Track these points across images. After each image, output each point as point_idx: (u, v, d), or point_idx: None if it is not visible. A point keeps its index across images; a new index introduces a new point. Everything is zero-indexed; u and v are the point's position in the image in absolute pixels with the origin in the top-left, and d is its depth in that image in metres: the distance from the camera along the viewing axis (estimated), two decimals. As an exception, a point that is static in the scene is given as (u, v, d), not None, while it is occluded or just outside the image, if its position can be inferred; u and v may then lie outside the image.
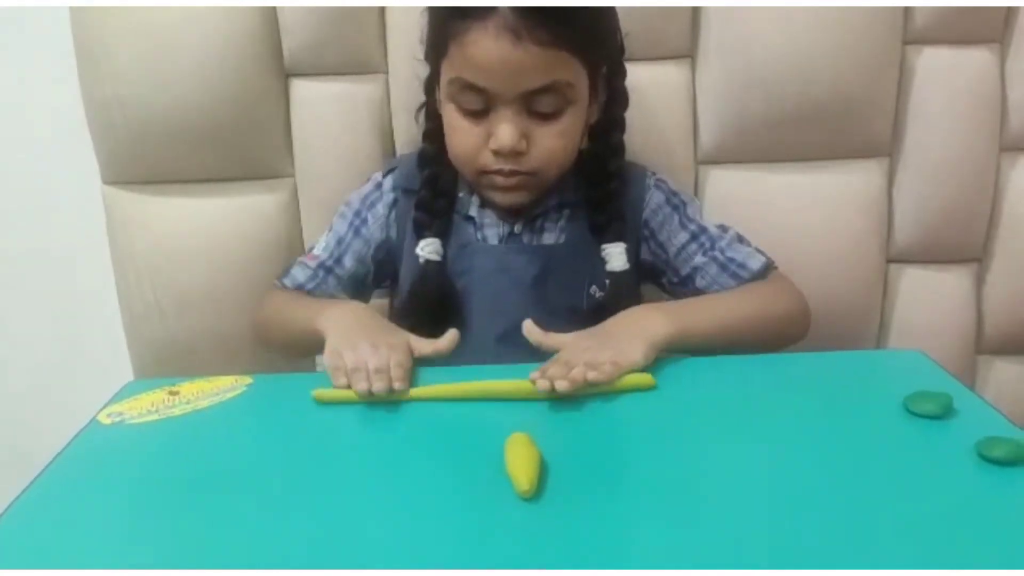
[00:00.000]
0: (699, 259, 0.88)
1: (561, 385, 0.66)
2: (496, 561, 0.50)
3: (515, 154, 0.80)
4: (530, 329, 0.78)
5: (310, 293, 0.90)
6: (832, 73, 0.97)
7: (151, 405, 0.72)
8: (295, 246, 1.02)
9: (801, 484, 0.57)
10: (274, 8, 0.96)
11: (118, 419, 0.70)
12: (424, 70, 0.87)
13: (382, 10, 0.97)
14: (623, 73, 0.88)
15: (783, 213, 1.02)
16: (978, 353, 1.09)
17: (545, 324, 0.78)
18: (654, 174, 0.92)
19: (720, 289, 0.88)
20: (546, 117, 0.79)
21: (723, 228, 0.91)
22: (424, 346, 0.76)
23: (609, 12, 0.84)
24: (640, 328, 0.76)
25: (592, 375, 0.68)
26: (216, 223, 1.01)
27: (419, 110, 0.91)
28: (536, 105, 0.78)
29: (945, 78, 1.00)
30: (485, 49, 0.75)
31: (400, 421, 0.68)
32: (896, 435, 0.64)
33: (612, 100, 0.87)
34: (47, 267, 1.19)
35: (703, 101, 1.01)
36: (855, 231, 1.03)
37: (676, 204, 0.90)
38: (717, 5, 0.97)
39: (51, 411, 0.99)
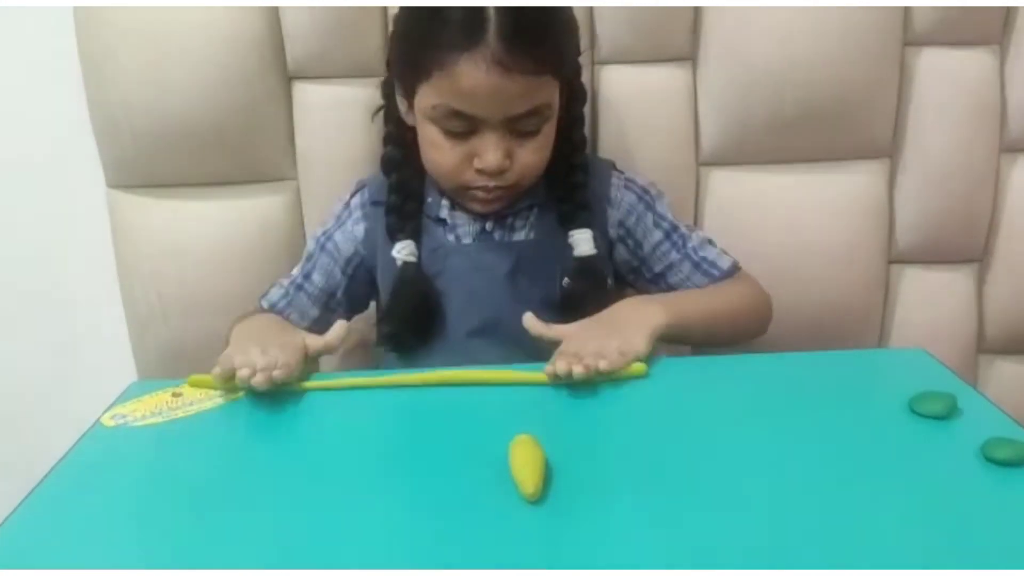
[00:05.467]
0: (673, 256, 0.91)
1: (577, 370, 0.69)
2: (501, 564, 0.50)
3: (499, 172, 0.82)
4: (532, 323, 0.80)
5: (282, 311, 0.92)
6: (832, 75, 0.97)
7: (154, 407, 0.72)
8: (297, 249, 1.02)
9: (806, 485, 0.58)
10: (277, 11, 0.96)
11: (122, 421, 0.70)
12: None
13: (384, 12, 0.97)
14: (579, 71, 0.91)
15: (784, 214, 1.03)
16: (979, 353, 1.09)
17: (520, 317, 0.81)
18: (622, 172, 0.93)
19: (692, 286, 0.91)
20: (527, 135, 0.82)
21: (690, 227, 0.94)
22: (315, 342, 0.79)
23: (572, 20, 0.85)
24: (639, 316, 0.80)
25: (603, 364, 0.70)
26: (220, 226, 1.02)
27: (376, 112, 0.93)
28: (519, 125, 0.81)
29: (945, 80, 1.00)
30: (475, 80, 0.76)
31: (405, 422, 0.68)
32: (900, 436, 0.64)
33: (572, 98, 0.89)
34: (52, 270, 1.19)
35: (704, 103, 1.01)
36: (856, 232, 1.03)
37: (648, 202, 0.92)
38: (718, 6, 0.97)
39: (56, 414, 0.99)
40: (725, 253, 0.92)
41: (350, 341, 0.80)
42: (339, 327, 0.80)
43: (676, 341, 0.83)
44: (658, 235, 0.91)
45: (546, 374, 0.71)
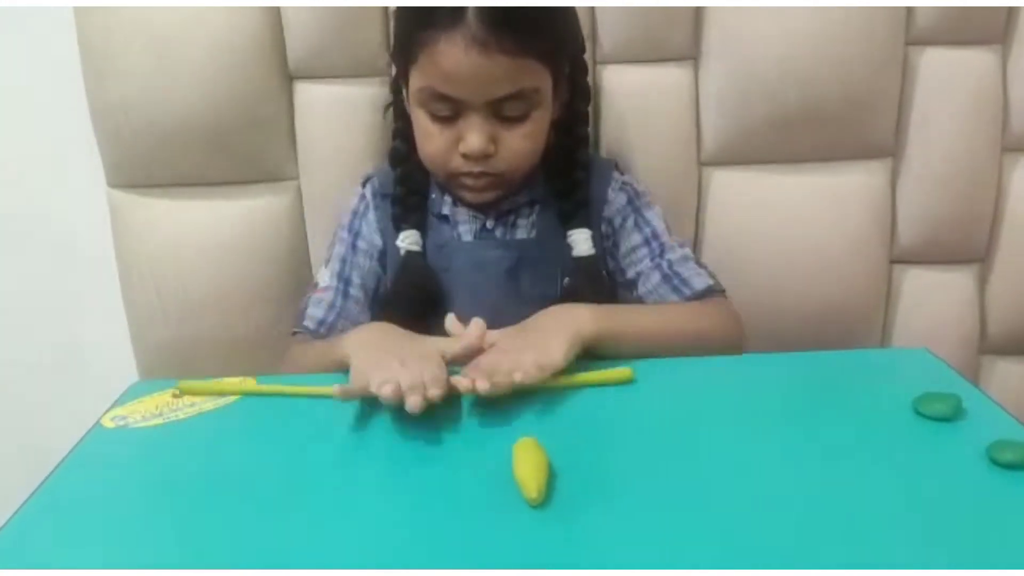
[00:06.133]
0: (645, 264, 0.89)
1: (482, 386, 0.66)
2: (504, 566, 0.50)
3: (484, 157, 0.82)
4: (453, 324, 0.78)
5: (333, 326, 0.87)
6: (834, 74, 0.97)
7: (155, 408, 0.72)
8: (299, 249, 1.03)
9: (809, 486, 0.58)
10: (278, 11, 0.96)
11: (122, 423, 0.70)
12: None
13: (385, 12, 0.97)
14: (585, 69, 0.91)
15: (786, 214, 1.03)
16: (981, 353, 1.09)
17: (521, 314, 0.79)
18: (622, 174, 0.93)
19: (659, 300, 0.88)
20: (513, 120, 0.81)
21: (680, 243, 0.91)
22: (454, 346, 0.73)
23: (570, 13, 0.85)
24: (563, 324, 0.76)
25: (518, 376, 0.67)
26: (221, 226, 1.01)
27: (387, 108, 0.93)
28: (504, 110, 0.80)
29: (947, 79, 1.00)
30: (455, 60, 0.76)
31: (407, 424, 0.68)
32: (905, 437, 0.64)
33: (575, 95, 0.89)
34: (52, 270, 1.19)
35: (706, 103, 1.01)
36: (858, 232, 1.03)
37: (637, 206, 0.92)
38: (719, 6, 0.97)
39: (56, 414, 0.99)
40: (710, 276, 0.88)
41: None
42: (477, 324, 0.75)
43: (606, 353, 0.77)
44: (637, 238, 0.90)
45: (455, 383, 0.68)
